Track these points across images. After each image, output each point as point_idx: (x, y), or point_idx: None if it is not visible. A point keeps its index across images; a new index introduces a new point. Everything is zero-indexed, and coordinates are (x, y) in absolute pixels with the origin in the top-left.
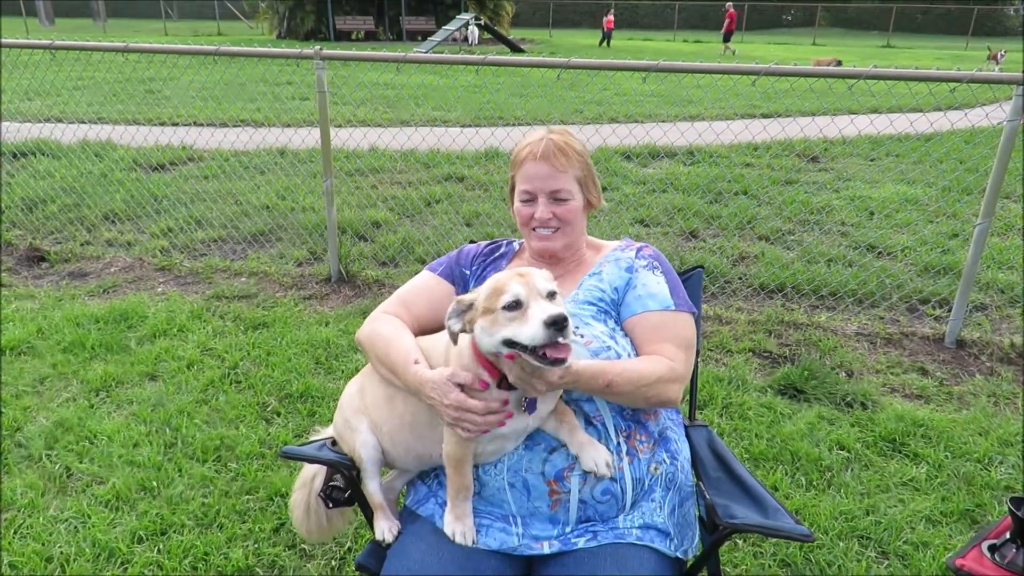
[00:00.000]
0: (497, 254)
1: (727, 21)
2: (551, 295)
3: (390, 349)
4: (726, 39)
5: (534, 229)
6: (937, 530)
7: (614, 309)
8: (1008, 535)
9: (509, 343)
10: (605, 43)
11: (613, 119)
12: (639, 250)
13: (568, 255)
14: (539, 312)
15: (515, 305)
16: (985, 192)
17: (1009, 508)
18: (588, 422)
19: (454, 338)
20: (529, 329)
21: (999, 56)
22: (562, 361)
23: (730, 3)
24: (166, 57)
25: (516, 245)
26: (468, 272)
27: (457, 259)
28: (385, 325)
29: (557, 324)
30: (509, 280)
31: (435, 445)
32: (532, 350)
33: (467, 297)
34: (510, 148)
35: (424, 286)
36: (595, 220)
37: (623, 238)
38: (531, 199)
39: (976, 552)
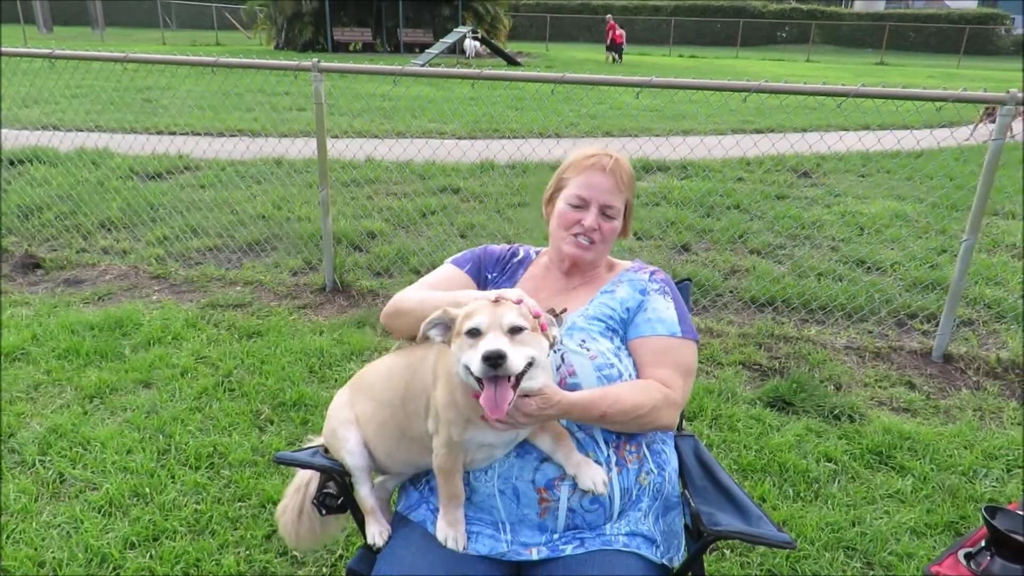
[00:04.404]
0: (516, 260)
1: (609, 32)
2: (514, 330)
3: (427, 297)
4: (611, 49)
5: (575, 235)
6: (922, 541)
7: (622, 328)
8: (983, 543)
9: (467, 370)
10: (616, 59)
11: (607, 133)
12: (652, 274)
13: (588, 270)
14: (485, 344)
15: (475, 332)
16: (971, 209)
17: (984, 517)
18: (575, 436)
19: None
20: (472, 357)
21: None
22: (497, 412)
23: (610, 15)
24: (164, 67)
25: (533, 253)
26: (490, 277)
27: (483, 260)
28: (413, 293)
29: (490, 359)
30: (480, 307)
31: (425, 453)
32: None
33: (453, 312)
34: (505, 161)
35: (448, 277)
36: None
37: (635, 260)
38: (583, 206)
39: (952, 560)
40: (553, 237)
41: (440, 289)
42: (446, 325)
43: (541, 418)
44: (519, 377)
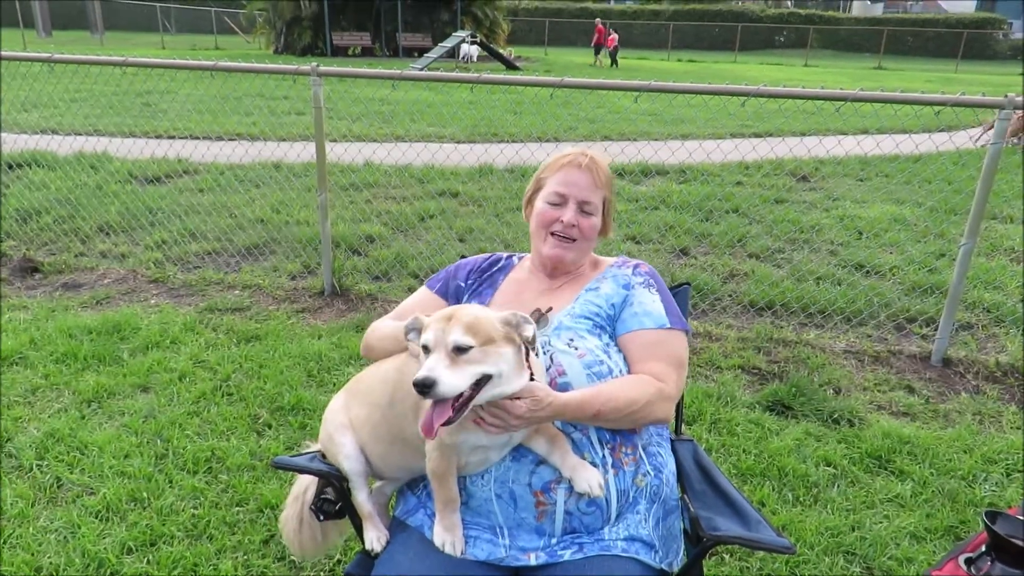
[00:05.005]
0: (496, 268)
1: (596, 35)
2: (458, 349)
3: (388, 330)
4: (600, 53)
5: (552, 233)
6: (921, 546)
7: (609, 324)
8: (984, 548)
9: None
10: (612, 63)
11: (606, 137)
12: (635, 267)
13: (572, 269)
14: (422, 368)
15: (426, 348)
16: (970, 213)
17: (984, 522)
18: (570, 437)
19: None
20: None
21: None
22: (427, 433)
23: (598, 19)
24: (163, 71)
25: (515, 260)
26: (463, 285)
27: (454, 273)
28: (382, 324)
29: (416, 386)
30: (433, 322)
31: (419, 457)
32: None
33: (423, 320)
34: (504, 165)
35: (420, 302)
36: None
37: (618, 255)
38: (561, 203)
39: (952, 565)
40: (534, 238)
41: (412, 312)
42: (419, 331)
43: (533, 420)
44: (473, 394)
